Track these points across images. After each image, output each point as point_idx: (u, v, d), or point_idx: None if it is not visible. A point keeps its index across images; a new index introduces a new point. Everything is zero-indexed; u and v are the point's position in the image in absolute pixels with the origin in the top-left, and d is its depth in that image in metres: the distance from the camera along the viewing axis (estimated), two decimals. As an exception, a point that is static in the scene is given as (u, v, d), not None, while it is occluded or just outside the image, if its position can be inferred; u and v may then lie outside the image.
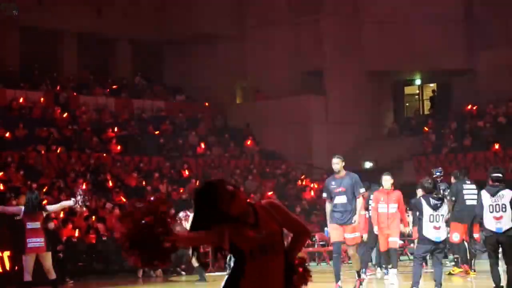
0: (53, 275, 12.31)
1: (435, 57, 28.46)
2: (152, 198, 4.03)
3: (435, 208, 10.34)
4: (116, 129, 25.22)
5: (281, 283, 4.29)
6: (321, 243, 20.16)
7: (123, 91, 28.84)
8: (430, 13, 28.32)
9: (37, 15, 28.06)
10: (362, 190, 11.35)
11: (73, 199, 12.41)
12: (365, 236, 13.44)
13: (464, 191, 14.30)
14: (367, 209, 14.12)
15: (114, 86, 29.08)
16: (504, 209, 10.13)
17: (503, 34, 27.84)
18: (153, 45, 31.76)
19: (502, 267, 10.72)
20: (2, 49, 27.86)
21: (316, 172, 26.72)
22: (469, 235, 14.25)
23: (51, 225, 16.36)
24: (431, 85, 31.54)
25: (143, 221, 3.87)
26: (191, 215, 7.95)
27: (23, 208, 12.22)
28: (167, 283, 16.59)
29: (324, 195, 11.51)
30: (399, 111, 31.52)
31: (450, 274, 14.11)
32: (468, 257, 14.69)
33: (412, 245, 19.33)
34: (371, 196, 14.43)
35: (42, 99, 25.43)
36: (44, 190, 19.30)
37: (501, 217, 10.11)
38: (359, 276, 11.65)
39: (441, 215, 10.41)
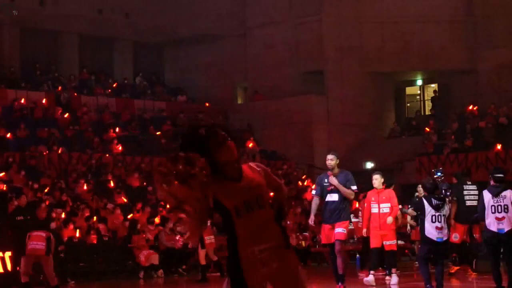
0: (54, 281, 12.28)
1: (437, 57, 28.45)
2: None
3: (437, 208, 10.32)
4: (117, 130, 25.22)
5: (276, 234, 4.21)
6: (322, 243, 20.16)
7: (124, 91, 28.84)
8: (431, 13, 28.31)
9: (38, 16, 28.09)
10: (354, 187, 11.15)
11: None
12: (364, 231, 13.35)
13: (465, 192, 14.29)
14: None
15: (115, 86, 29.08)
16: (506, 210, 10.13)
17: (504, 34, 27.81)
18: (154, 45, 31.77)
19: (503, 267, 10.72)
20: (3, 49, 27.89)
21: (317, 172, 26.68)
22: (470, 235, 14.25)
23: (52, 225, 16.38)
24: (433, 85, 31.51)
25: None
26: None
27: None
28: (168, 283, 16.58)
29: (313, 192, 11.42)
30: (400, 112, 31.48)
31: (450, 274, 14.10)
32: (469, 258, 14.69)
33: (413, 245, 19.34)
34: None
35: (43, 99, 25.43)
36: (46, 190, 19.32)
37: (503, 218, 10.11)
38: (342, 280, 11.16)
39: (443, 215, 10.39)
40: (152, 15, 30.93)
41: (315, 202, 11.32)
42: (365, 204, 13.24)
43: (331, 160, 11.17)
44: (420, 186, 13.04)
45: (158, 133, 26.30)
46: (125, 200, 20.64)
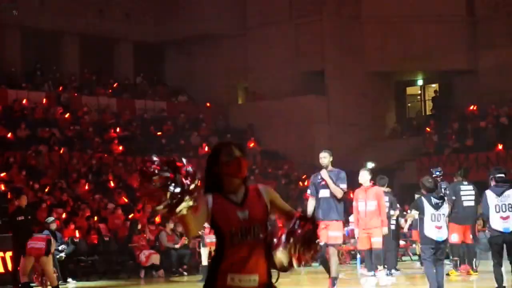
0: (54, 282, 12.27)
1: (437, 57, 28.44)
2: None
3: (437, 207, 10.29)
4: (118, 130, 25.23)
5: (263, 268, 4.13)
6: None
7: (125, 91, 28.85)
8: (432, 13, 28.31)
9: (39, 16, 28.10)
10: (343, 186, 11.03)
11: None
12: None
13: (461, 192, 14.28)
14: None
15: (116, 86, 29.08)
16: (510, 209, 10.13)
17: (505, 34, 27.80)
18: (155, 45, 31.77)
19: (505, 267, 10.71)
20: (4, 49, 27.90)
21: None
22: (473, 235, 14.24)
23: (53, 225, 16.38)
24: (433, 85, 31.51)
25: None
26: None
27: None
28: (168, 283, 16.58)
29: (309, 191, 11.39)
30: (401, 112, 31.48)
31: (448, 275, 14.08)
32: (467, 258, 14.67)
33: (414, 245, 19.34)
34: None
35: (44, 99, 25.44)
36: (46, 190, 19.33)
37: (508, 217, 10.11)
38: (333, 284, 11.02)
39: (443, 214, 10.36)
40: (152, 15, 30.95)
41: (311, 203, 11.28)
42: (354, 203, 12.97)
43: (324, 158, 11.16)
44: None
45: (158, 133, 26.31)
46: (125, 200, 20.65)
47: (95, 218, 18.47)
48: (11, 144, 21.95)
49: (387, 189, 14.69)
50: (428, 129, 27.67)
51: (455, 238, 13.92)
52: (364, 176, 12.75)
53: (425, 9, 28.29)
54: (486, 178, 10.80)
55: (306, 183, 25.85)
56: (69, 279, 16.35)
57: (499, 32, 27.85)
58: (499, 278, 10.31)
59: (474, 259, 14.63)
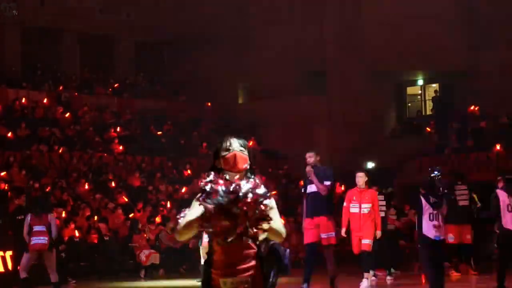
0: (55, 277, 12.29)
1: (438, 57, 28.41)
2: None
3: (435, 206, 10.28)
4: (118, 129, 25.23)
5: (256, 272, 4.09)
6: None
7: (125, 91, 28.84)
8: (433, 13, 28.29)
9: (39, 15, 28.09)
10: (327, 182, 11.04)
11: None
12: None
13: (456, 192, 14.31)
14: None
15: (116, 86, 29.08)
16: None
17: (506, 34, 27.78)
18: (155, 45, 31.77)
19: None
20: (4, 48, 27.88)
21: (318, 172, 26.70)
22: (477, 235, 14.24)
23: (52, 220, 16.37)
24: (434, 85, 31.48)
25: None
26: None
27: (29, 218, 12.24)
28: (169, 283, 16.59)
29: (303, 190, 11.45)
30: (401, 112, 31.46)
31: (448, 275, 14.07)
32: (466, 258, 14.68)
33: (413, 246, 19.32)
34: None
35: (44, 99, 25.44)
36: (47, 190, 19.33)
37: None
38: (332, 283, 11.03)
39: (441, 213, 10.35)
40: (153, 14, 30.93)
41: (305, 204, 11.34)
42: (345, 203, 12.68)
43: (310, 157, 11.30)
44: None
45: (159, 132, 26.31)
46: (126, 199, 20.65)
47: (95, 217, 18.47)
48: (11, 144, 21.95)
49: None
50: (428, 129, 27.65)
51: (451, 239, 13.93)
52: (362, 178, 12.56)
53: (425, 9, 28.27)
54: (486, 178, 10.82)
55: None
56: (69, 279, 16.36)
57: (500, 32, 27.83)
58: (502, 278, 10.31)
59: (472, 259, 14.65)
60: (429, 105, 31.42)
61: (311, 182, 11.10)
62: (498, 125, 25.88)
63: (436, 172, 13.94)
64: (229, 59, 30.34)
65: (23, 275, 12.26)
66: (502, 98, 26.79)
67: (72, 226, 17.52)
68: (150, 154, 24.50)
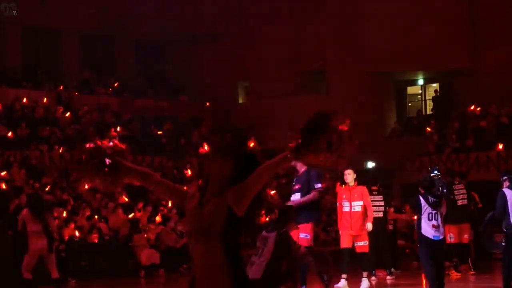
0: (56, 273, 12.32)
1: (438, 57, 28.41)
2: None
3: (434, 206, 10.29)
4: (118, 129, 25.22)
5: (216, 275, 4.04)
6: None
7: (126, 90, 28.85)
8: (433, 13, 28.29)
9: (40, 14, 28.09)
10: (318, 185, 10.90)
11: None
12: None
13: (454, 192, 14.31)
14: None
15: (116, 85, 29.08)
16: None
17: (506, 33, 27.78)
18: (155, 44, 31.77)
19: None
20: (4, 48, 27.88)
21: (318, 172, 26.69)
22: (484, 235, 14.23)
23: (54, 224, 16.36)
24: (434, 85, 31.48)
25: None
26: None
27: (24, 213, 12.24)
28: (169, 282, 16.58)
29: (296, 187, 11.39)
30: (401, 111, 31.46)
31: (448, 274, 14.08)
32: (464, 258, 14.68)
33: (414, 245, 19.32)
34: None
35: (44, 98, 25.43)
36: (47, 189, 19.33)
37: None
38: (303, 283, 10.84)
39: (440, 213, 10.35)
40: (153, 14, 30.93)
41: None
42: (337, 203, 12.69)
43: (301, 167, 11.16)
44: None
45: (159, 132, 26.31)
46: (126, 199, 20.66)
47: (96, 217, 18.47)
48: (12, 143, 21.95)
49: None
50: (428, 128, 27.65)
51: (452, 238, 13.93)
52: (351, 175, 12.51)
53: (426, 9, 28.27)
54: (486, 177, 10.84)
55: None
56: (69, 279, 16.36)
57: (500, 31, 27.83)
58: (508, 278, 10.31)
59: (470, 259, 14.65)
60: (429, 105, 31.42)
61: (295, 191, 11.00)
62: (498, 125, 25.88)
63: (435, 172, 14.00)
64: (229, 59, 30.34)
65: (27, 276, 12.27)
66: (502, 97, 26.80)
67: (72, 225, 17.52)
68: (150, 154, 24.50)
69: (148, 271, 17.68)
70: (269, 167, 4.35)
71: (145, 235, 18.08)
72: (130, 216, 19.27)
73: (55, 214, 17.18)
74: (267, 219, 20.58)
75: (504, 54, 27.42)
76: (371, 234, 14.17)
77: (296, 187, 10.95)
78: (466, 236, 14.57)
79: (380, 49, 28.78)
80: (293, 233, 10.72)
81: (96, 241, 17.79)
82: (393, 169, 25.66)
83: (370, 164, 27.08)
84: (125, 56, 31.26)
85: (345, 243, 12.47)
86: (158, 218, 19.30)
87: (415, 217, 14.79)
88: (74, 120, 24.82)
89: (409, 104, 32.28)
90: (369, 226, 12.55)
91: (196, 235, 4.09)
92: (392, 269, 14.97)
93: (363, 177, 13.98)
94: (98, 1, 29.65)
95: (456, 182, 14.55)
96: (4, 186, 18.53)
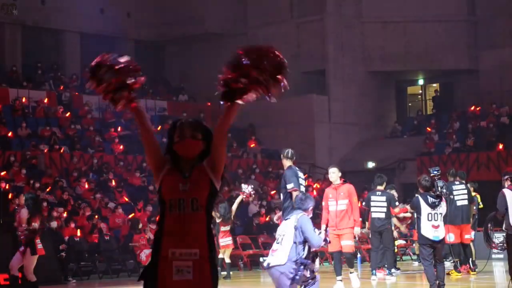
0: (33, 277, 12.36)
1: (438, 57, 28.45)
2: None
3: (433, 206, 10.28)
4: (119, 129, 25.23)
5: (202, 242, 4.16)
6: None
7: (126, 90, 28.80)
8: (433, 13, 28.31)
9: (40, 14, 28.11)
10: (290, 186, 10.77)
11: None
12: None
13: (454, 192, 14.30)
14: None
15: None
16: None
17: (506, 33, 27.81)
18: (156, 44, 31.77)
19: (504, 267, 10.72)
20: (5, 48, 27.89)
21: (318, 172, 26.72)
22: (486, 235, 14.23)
23: (54, 224, 16.41)
24: (434, 85, 31.51)
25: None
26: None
27: (22, 211, 12.26)
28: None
29: (293, 185, 11.35)
30: (401, 111, 31.49)
31: (448, 274, 14.08)
32: (464, 257, 14.67)
33: (414, 245, 19.33)
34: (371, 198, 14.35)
35: (45, 98, 25.43)
36: (47, 189, 19.34)
37: None
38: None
39: (440, 213, 10.34)
40: (154, 14, 30.94)
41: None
42: (323, 202, 12.47)
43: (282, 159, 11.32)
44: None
45: (159, 132, 26.30)
46: (126, 199, 20.67)
47: (96, 217, 18.48)
48: (12, 143, 21.96)
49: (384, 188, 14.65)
50: (428, 128, 27.67)
51: (452, 238, 13.92)
52: (335, 174, 12.30)
53: (426, 9, 28.30)
54: (486, 177, 10.85)
55: (306, 183, 25.86)
56: (70, 278, 16.37)
57: (500, 32, 27.86)
58: None
59: (470, 259, 14.64)
60: (430, 105, 31.45)
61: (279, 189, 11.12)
62: (498, 125, 25.89)
63: (435, 172, 14.00)
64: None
65: (32, 278, 12.29)
66: (502, 97, 26.83)
67: (72, 225, 17.53)
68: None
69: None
70: (220, 124, 4.65)
71: (145, 235, 18.09)
72: (130, 216, 19.27)
73: (55, 214, 17.21)
74: (267, 219, 20.60)
75: (504, 54, 27.45)
76: (375, 234, 14.18)
77: (281, 185, 11.12)
78: (466, 236, 14.57)
79: (380, 49, 28.80)
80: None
81: (96, 241, 17.80)
82: (393, 169, 25.68)
83: (370, 164, 27.12)
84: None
85: (333, 246, 12.22)
86: (158, 218, 19.30)
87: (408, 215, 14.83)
88: (75, 120, 24.82)
89: (410, 104, 32.31)
90: (357, 231, 12.44)
91: (180, 204, 4.18)
92: (393, 269, 14.98)
93: (367, 177, 13.98)
94: (99, 1, 29.65)
95: (457, 183, 14.54)
96: (4, 186, 18.52)
